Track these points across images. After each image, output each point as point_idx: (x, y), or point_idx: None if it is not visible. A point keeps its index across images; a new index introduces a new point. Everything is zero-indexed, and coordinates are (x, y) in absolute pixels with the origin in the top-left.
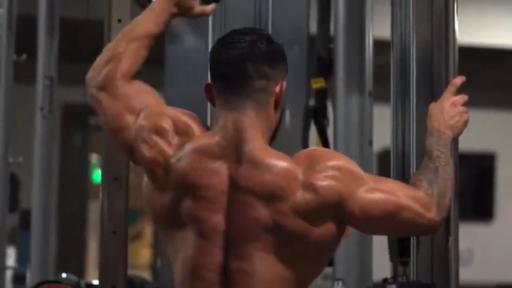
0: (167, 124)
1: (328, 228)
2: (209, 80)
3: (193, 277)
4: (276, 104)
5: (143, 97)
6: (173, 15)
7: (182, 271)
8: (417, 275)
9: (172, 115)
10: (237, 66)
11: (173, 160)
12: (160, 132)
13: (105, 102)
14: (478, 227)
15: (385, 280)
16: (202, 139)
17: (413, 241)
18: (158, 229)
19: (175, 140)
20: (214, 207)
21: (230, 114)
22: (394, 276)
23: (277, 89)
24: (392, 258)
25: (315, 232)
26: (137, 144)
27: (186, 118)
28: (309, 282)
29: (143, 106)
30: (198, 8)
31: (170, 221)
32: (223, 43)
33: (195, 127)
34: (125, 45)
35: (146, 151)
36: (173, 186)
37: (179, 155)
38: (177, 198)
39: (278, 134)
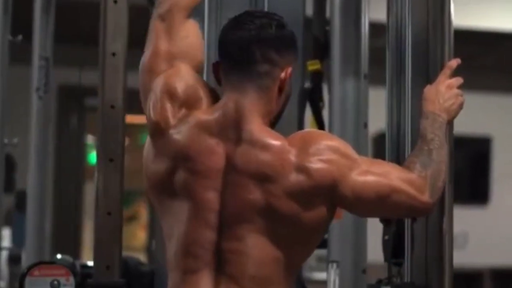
0: (181, 92)
1: (319, 211)
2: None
3: (186, 254)
4: (280, 90)
5: (188, 44)
6: None
7: (175, 247)
8: (412, 275)
9: (189, 84)
10: (242, 48)
11: (173, 131)
12: (171, 98)
13: (158, 32)
14: (473, 211)
15: (379, 281)
16: (203, 114)
17: (407, 241)
18: (152, 198)
19: (181, 111)
20: (208, 184)
21: (232, 94)
22: (389, 277)
23: (282, 75)
24: (386, 259)
25: (306, 214)
26: (150, 96)
27: (201, 90)
28: (300, 263)
29: (180, 56)
30: None
31: (163, 190)
32: (233, 23)
33: (206, 102)
34: None
35: (152, 111)
36: (168, 155)
37: (180, 128)
38: (172, 168)
39: None
